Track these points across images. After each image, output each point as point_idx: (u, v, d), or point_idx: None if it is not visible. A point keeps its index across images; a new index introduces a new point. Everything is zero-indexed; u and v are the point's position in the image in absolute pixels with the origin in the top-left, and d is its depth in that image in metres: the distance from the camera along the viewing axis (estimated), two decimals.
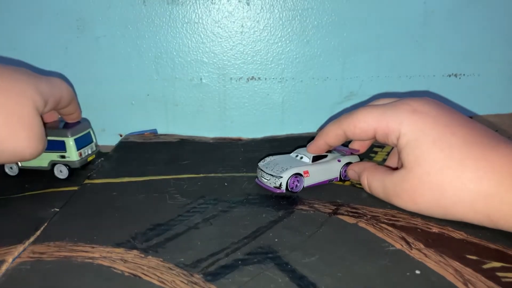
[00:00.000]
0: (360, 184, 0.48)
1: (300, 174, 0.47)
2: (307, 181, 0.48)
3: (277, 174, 0.47)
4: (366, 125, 0.43)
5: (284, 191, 0.46)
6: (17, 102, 0.42)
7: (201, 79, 0.67)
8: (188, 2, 0.63)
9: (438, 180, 0.38)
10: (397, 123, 0.41)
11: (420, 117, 0.40)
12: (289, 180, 0.46)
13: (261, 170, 0.48)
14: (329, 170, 0.50)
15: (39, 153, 0.44)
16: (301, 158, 0.50)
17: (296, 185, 0.47)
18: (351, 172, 0.49)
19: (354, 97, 0.69)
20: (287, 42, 0.65)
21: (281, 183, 0.46)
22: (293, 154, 0.51)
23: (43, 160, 0.52)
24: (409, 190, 0.40)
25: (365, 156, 0.57)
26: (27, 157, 0.43)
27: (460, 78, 0.70)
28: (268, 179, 0.47)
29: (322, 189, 0.48)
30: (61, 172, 0.52)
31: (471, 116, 0.71)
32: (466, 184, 0.37)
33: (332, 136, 0.46)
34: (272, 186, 0.47)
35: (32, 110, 0.43)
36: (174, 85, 0.67)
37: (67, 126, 0.53)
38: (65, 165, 0.52)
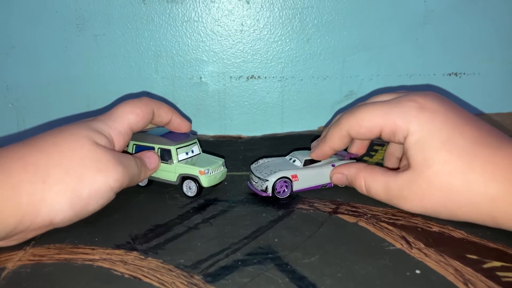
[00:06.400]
0: None
1: (288, 178, 0.46)
2: (296, 186, 0.46)
3: (264, 177, 0.45)
4: (371, 123, 0.42)
5: (270, 194, 0.45)
6: (76, 145, 0.38)
7: (200, 77, 0.66)
8: (187, 0, 0.63)
9: (447, 183, 0.38)
10: (405, 121, 0.40)
11: (428, 115, 0.39)
12: (276, 184, 0.45)
13: (252, 172, 0.47)
14: (321, 175, 0.48)
15: (123, 179, 0.39)
16: (294, 161, 0.49)
17: (285, 190, 0.46)
18: (338, 176, 0.47)
19: (354, 96, 0.68)
20: (287, 40, 0.65)
21: (267, 186, 0.45)
22: (287, 157, 0.50)
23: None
24: (418, 192, 0.40)
25: (365, 155, 0.57)
26: (114, 186, 0.39)
27: (460, 77, 0.69)
28: (256, 181, 0.46)
29: (321, 188, 0.48)
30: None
31: (477, 114, 0.70)
32: (473, 186, 0.37)
33: (337, 139, 0.45)
34: (259, 189, 0.46)
35: (91, 146, 0.38)
36: (173, 84, 0.66)
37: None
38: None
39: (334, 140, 0.45)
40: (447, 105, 0.41)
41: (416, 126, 0.39)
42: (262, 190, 0.46)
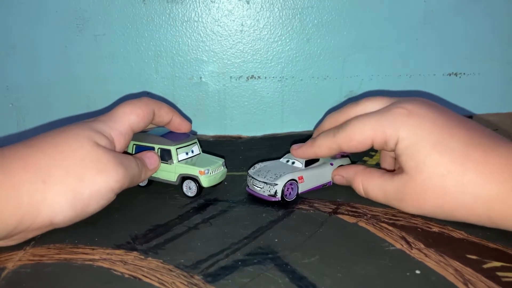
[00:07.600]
0: None
1: (295, 180, 0.45)
2: (302, 187, 0.46)
3: (271, 181, 0.44)
4: (362, 137, 0.42)
5: (280, 199, 0.44)
6: (76, 145, 0.38)
7: (200, 77, 0.66)
8: (187, 0, 0.63)
9: (440, 186, 0.38)
10: (394, 129, 0.40)
11: (417, 120, 0.40)
12: (284, 187, 0.44)
13: (253, 178, 0.46)
14: (322, 174, 0.48)
15: (123, 180, 0.39)
16: (293, 163, 0.48)
17: (290, 192, 0.45)
18: (338, 178, 0.48)
19: (354, 96, 0.68)
20: (287, 40, 0.65)
21: (276, 190, 0.44)
22: (283, 160, 0.49)
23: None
24: (412, 196, 0.40)
25: (365, 156, 0.57)
26: (115, 187, 0.39)
27: (460, 77, 0.69)
28: (261, 187, 0.45)
29: (322, 187, 0.48)
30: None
31: (470, 116, 0.70)
32: (468, 188, 0.37)
33: (325, 149, 0.45)
34: (266, 195, 0.44)
35: (92, 147, 0.38)
36: (173, 84, 0.66)
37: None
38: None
39: (323, 149, 0.45)
40: (435, 109, 0.41)
41: (405, 132, 0.40)
42: (270, 195, 0.44)
